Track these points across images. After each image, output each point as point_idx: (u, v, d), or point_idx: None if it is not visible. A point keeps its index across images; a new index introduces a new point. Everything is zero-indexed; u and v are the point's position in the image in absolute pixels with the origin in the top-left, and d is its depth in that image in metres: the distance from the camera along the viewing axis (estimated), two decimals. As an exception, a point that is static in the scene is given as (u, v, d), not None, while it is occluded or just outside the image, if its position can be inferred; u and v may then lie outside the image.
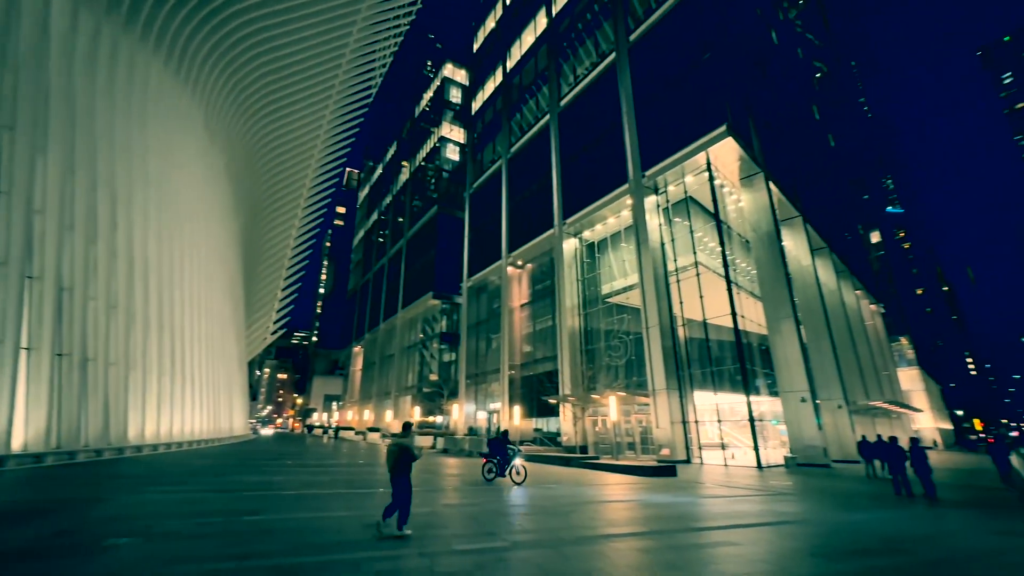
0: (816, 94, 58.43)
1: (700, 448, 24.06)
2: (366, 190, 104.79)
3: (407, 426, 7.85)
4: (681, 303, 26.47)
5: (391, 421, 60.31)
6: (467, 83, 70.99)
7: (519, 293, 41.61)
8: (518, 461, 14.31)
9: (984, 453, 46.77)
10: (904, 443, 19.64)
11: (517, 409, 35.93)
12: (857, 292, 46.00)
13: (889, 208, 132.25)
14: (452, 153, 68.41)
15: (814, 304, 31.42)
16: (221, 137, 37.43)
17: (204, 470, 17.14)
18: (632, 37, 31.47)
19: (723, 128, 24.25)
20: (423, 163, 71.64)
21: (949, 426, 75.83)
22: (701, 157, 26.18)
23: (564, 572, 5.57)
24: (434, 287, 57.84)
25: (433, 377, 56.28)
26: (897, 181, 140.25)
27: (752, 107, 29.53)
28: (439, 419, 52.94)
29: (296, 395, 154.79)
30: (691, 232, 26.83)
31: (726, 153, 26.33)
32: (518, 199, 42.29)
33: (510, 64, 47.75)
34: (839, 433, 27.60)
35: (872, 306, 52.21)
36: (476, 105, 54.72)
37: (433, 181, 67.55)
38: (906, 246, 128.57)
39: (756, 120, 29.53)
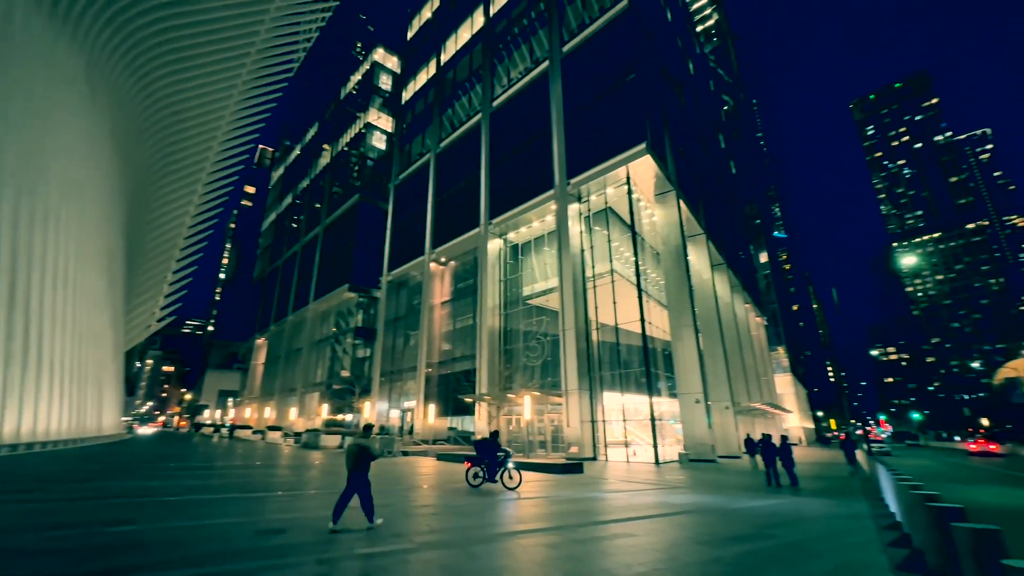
0: (722, 124, 64.55)
1: (606, 446, 25.39)
2: (280, 171, 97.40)
3: (368, 427, 8.42)
4: (596, 308, 27.76)
5: (296, 419, 56.54)
6: (398, 71, 68.82)
7: (441, 290, 41.09)
8: (511, 464, 13.29)
9: (838, 448, 54.71)
10: (776, 440, 22.37)
11: (432, 407, 35.42)
12: (747, 305, 51.42)
13: (776, 233, 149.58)
14: (378, 141, 65.84)
15: (711, 314, 34.59)
16: (105, 94, 32.63)
17: (63, 475, 14.78)
18: (565, 49, 32.48)
19: (643, 146, 25.85)
20: (346, 148, 68.15)
21: (812, 425, 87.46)
22: (622, 171, 27.69)
23: (469, 571, 5.55)
24: (351, 279, 55.23)
25: (345, 373, 53.71)
26: (783, 210, 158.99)
27: (668, 129, 31.85)
28: (349, 417, 50.61)
29: (184, 390, 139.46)
30: (609, 241, 28.26)
31: (644, 170, 28.09)
32: (445, 195, 41.75)
33: (445, 57, 47.04)
34: (725, 431, 30.63)
35: (758, 319, 58.68)
36: (407, 95, 53.18)
37: (356, 168, 64.51)
38: (787, 267, 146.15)
39: (671, 142, 31.89)
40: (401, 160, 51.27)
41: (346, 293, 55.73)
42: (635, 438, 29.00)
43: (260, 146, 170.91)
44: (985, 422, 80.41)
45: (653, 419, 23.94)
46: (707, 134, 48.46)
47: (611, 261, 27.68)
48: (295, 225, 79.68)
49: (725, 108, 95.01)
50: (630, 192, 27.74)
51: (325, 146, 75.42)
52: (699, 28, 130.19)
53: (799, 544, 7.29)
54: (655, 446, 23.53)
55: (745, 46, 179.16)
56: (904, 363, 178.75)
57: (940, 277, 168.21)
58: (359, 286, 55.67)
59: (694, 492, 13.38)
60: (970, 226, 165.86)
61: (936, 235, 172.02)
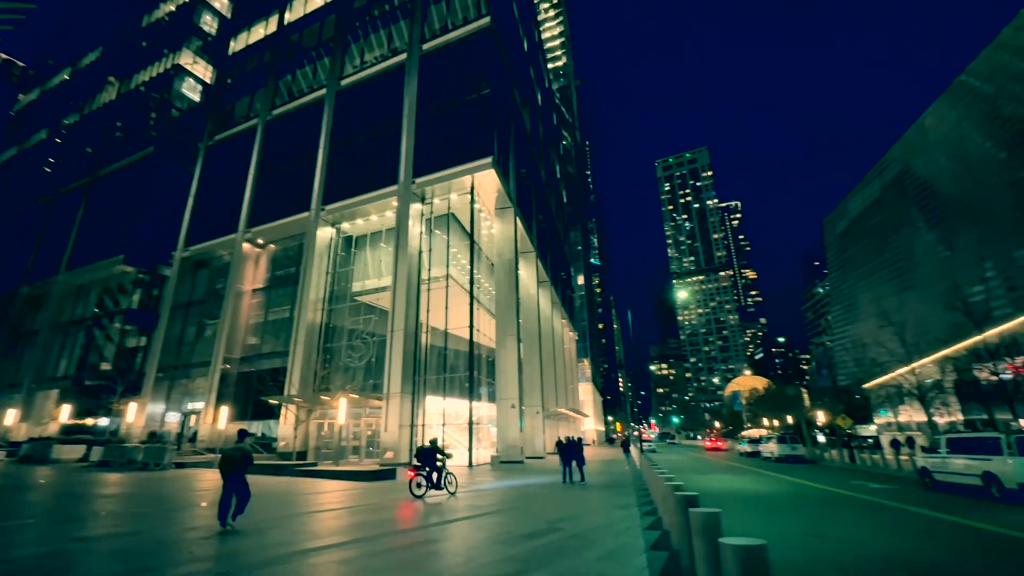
0: (560, 156, 71.68)
1: (423, 450, 25.17)
2: (36, 94, 73.76)
3: (243, 433, 9.13)
4: (428, 311, 27.58)
5: (13, 423, 42.60)
6: (228, 15, 58.76)
7: (254, 275, 35.93)
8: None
9: (619, 446, 64.68)
10: (582, 439, 25.26)
11: (226, 410, 30.45)
12: (563, 320, 57.43)
13: (592, 260, 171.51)
14: (191, 91, 54.98)
15: (533, 326, 37.54)
16: None
17: None
18: (426, 47, 32.01)
19: (489, 160, 26.87)
20: (143, 88, 55.16)
21: (603, 428, 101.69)
22: (467, 180, 28.30)
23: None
24: (129, 250, 44.48)
25: (106, 366, 42.67)
26: (599, 241, 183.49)
27: (514, 149, 33.86)
28: (104, 422, 40.18)
29: None
30: (448, 246, 28.48)
31: (488, 183, 29.21)
32: (272, 169, 36.88)
33: (290, 17, 41.90)
34: (533, 434, 33.34)
35: (571, 333, 66.06)
36: (236, 45, 45.69)
37: (154, 116, 52.58)
38: (598, 291, 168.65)
39: (515, 161, 33.95)
40: (219, 119, 43.59)
41: (120, 266, 44.58)
42: (454, 442, 29.52)
43: (5, 57, 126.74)
44: (717, 424, 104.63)
45: (471, 423, 24.68)
46: (547, 161, 53.10)
47: (448, 266, 27.90)
48: (49, 169, 60.92)
49: (564, 143, 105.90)
50: (473, 202, 28.50)
51: (111, 79, 59.74)
52: (550, 65, 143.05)
53: (581, 535, 8.17)
54: (470, 449, 24.25)
55: (586, 92, 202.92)
56: (671, 377, 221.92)
57: (700, 310, 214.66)
58: (140, 259, 45.13)
59: (498, 493, 14.08)
60: (722, 274, 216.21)
61: (701, 277, 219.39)
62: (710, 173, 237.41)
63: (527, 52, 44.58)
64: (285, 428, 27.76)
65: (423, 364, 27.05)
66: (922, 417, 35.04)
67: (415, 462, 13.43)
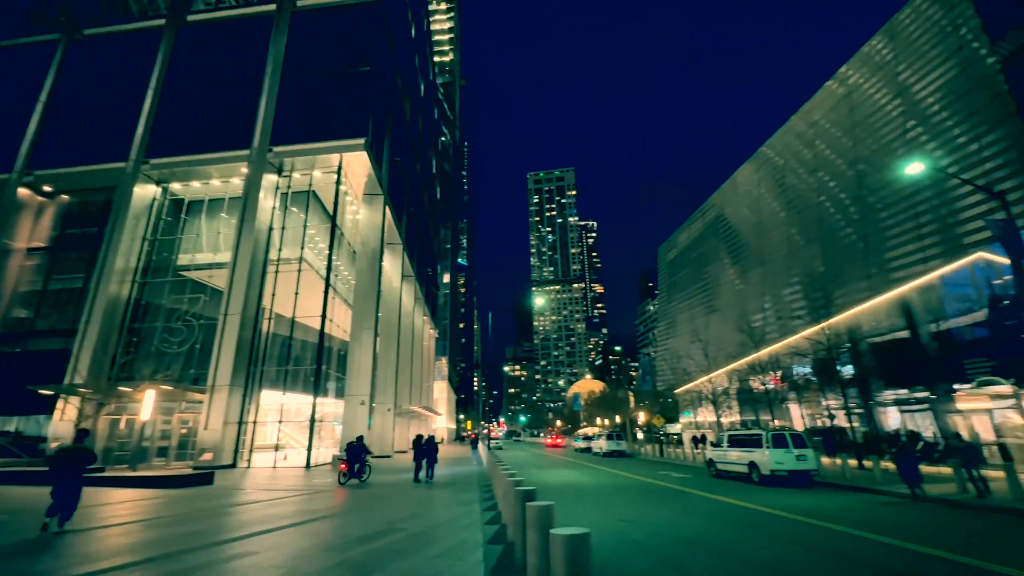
0: (438, 152, 70.94)
1: (251, 451, 22.44)
2: None
3: (83, 433, 9.46)
4: (274, 295, 24.78)
5: None
6: None
7: (31, 230, 28.24)
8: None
9: (468, 444, 66.12)
10: (435, 438, 25.01)
11: (-34, 402, 23.24)
12: (425, 317, 56.70)
13: (459, 260, 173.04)
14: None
15: (393, 321, 36.30)
16: None
17: None
18: (300, 3, 28.88)
19: (362, 141, 25.29)
20: None
21: (454, 426, 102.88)
22: (334, 159, 26.22)
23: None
24: None
25: None
26: (468, 242, 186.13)
27: (390, 135, 32.43)
28: None
29: None
30: (305, 227, 25.99)
31: (358, 165, 27.46)
32: (75, 98, 29.48)
33: (121, -80, 34.03)
34: (383, 432, 32.16)
35: (431, 331, 65.57)
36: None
37: None
38: (462, 290, 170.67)
39: (390, 148, 32.54)
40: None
41: None
42: (290, 441, 26.88)
43: None
44: (559, 423, 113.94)
45: (313, 420, 22.78)
46: (424, 155, 52.04)
47: (303, 248, 25.43)
48: None
49: (443, 139, 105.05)
50: (339, 183, 26.50)
51: None
52: (436, 59, 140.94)
53: (422, 534, 8.06)
54: (309, 449, 22.36)
55: (470, 93, 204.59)
56: (523, 378, 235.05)
57: (554, 318, 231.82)
58: None
59: (340, 495, 13.22)
60: (575, 286, 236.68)
61: (557, 287, 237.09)
62: (574, 192, 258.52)
63: (414, 39, 43.25)
64: (60, 425, 22.22)
65: (262, 354, 24.19)
66: (713, 418, 42.86)
67: (343, 456, 16.34)
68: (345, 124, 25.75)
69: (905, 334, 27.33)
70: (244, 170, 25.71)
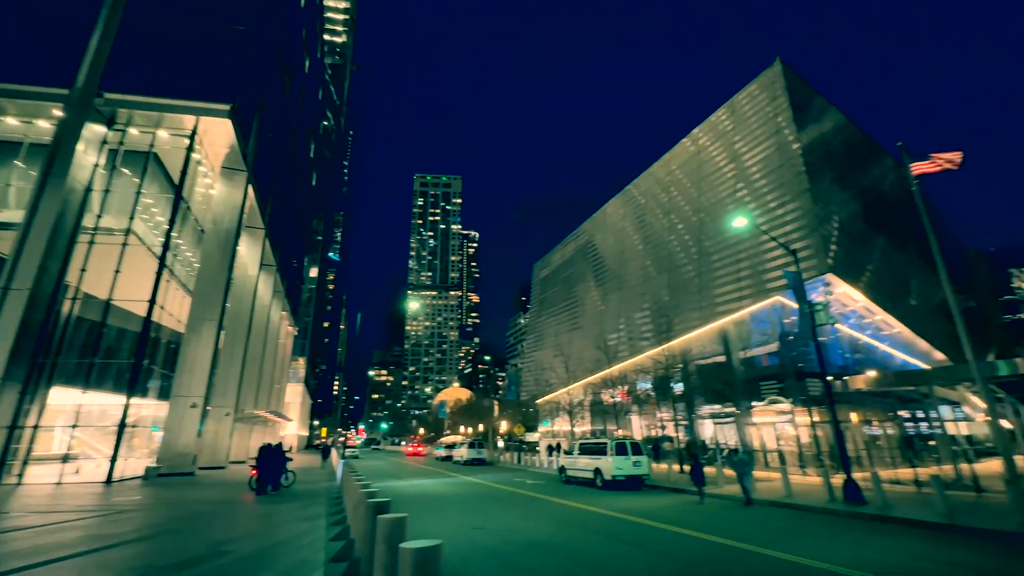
0: (318, 136, 65.69)
1: (26, 462, 17.82)
2: None
3: None
4: (83, 271, 20.27)
5: None
6: None
7: None
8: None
9: (318, 451, 61.08)
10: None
11: None
12: (284, 313, 51.42)
13: (331, 254, 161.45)
14: None
15: (244, 314, 32.23)
16: None
17: None
18: (162, -68, 24.59)
19: (227, 108, 22.30)
20: None
21: (307, 433, 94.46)
22: (189, 121, 22.66)
23: None
24: None
25: None
26: (344, 236, 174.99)
27: (263, 108, 29.13)
28: None
29: None
30: (139, 194, 21.84)
31: (219, 134, 24.09)
32: None
33: None
34: (218, 440, 28.12)
35: (290, 328, 59.68)
36: None
37: None
38: (331, 287, 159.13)
39: (261, 122, 29.19)
40: None
41: None
42: (89, 449, 22.03)
43: None
44: (422, 431, 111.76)
45: (124, 425, 18.97)
46: (301, 135, 47.71)
47: (132, 218, 21.30)
48: None
49: (325, 123, 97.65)
50: (192, 150, 22.88)
51: None
52: (327, 37, 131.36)
53: (254, 556, 7.16)
54: (113, 460, 18.54)
55: (362, 81, 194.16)
56: (389, 384, 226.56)
57: (427, 323, 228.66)
58: None
59: (146, 515, 11.15)
60: (452, 293, 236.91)
61: (434, 293, 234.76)
62: (460, 200, 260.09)
63: (304, 9, 39.75)
64: None
65: (57, 342, 19.52)
66: (568, 427, 46.10)
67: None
68: (208, 84, 22.46)
69: (722, 358, 32.74)
70: (57, 112, 20.74)
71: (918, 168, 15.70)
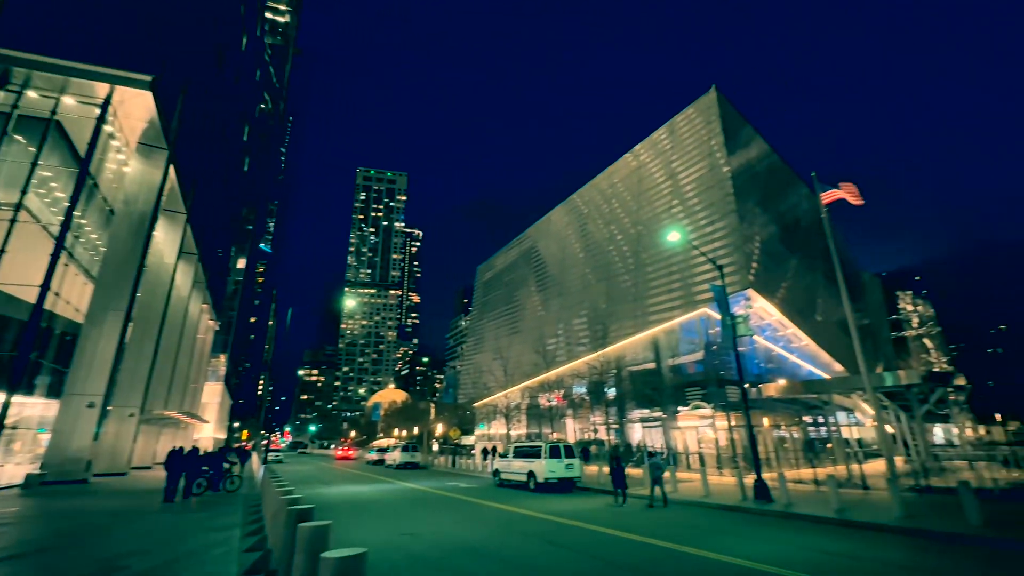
0: (253, 119, 61.66)
1: None
2: None
3: None
4: (-42, 249, 17.63)
5: None
6: None
7: None
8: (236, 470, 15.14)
9: (239, 456, 56.93)
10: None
11: None
12: (204, 306, 47.57)
13: (262, 245, 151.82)
14: None
15: (157, 305, 29.48)
16: None
17: None
18: None
19: (149, 79, 20.36)
20: None
21: (225, 436, 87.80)
22: (103, 89, 20.46)
23: None
24: None
25: None
26: (276, 226, 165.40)
27: (191, 83, 26.90)
28: None
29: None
30: (34, 164, 19.35)
31: (138, 106, 21.96)
32: None
33: None
34: (119, 443, 25.40)
35: (211, 322, 55.27)
36: None
37: None
38: (260, 280, 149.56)
39: (188, 97, 26.92)
40: None
41: None
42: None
43: None
44: (353, 434, 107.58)
45: (1, 426, 16.64)
46: (232, 117, 44.55)
47: (24, 192, 18.83)
48: None
49: (262, 107, 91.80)
50: (103, 120, 20.64)
51: None
52: (269, 15, 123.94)
53: (153, 571, 6.52)
54: (-14, 466, 16.21)
55: (305, 65, 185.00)
56: (320, 384, 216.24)
57: (364, 322, 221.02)
58: None
59: (29, 527, 9.84)
60: (392, 292, 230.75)
61: (372, 291, 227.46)
62: (404, 198, 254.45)
63: (243, -17, 37.25)
64: None
65: (-82, 329, 16.82)
66: (505, 430, 46.32)
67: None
68: (127, 50, 20.46)
69: (653, 365, 34.39)
70: (-67, 64, 17.93)
71: (828, 197, 17.45)
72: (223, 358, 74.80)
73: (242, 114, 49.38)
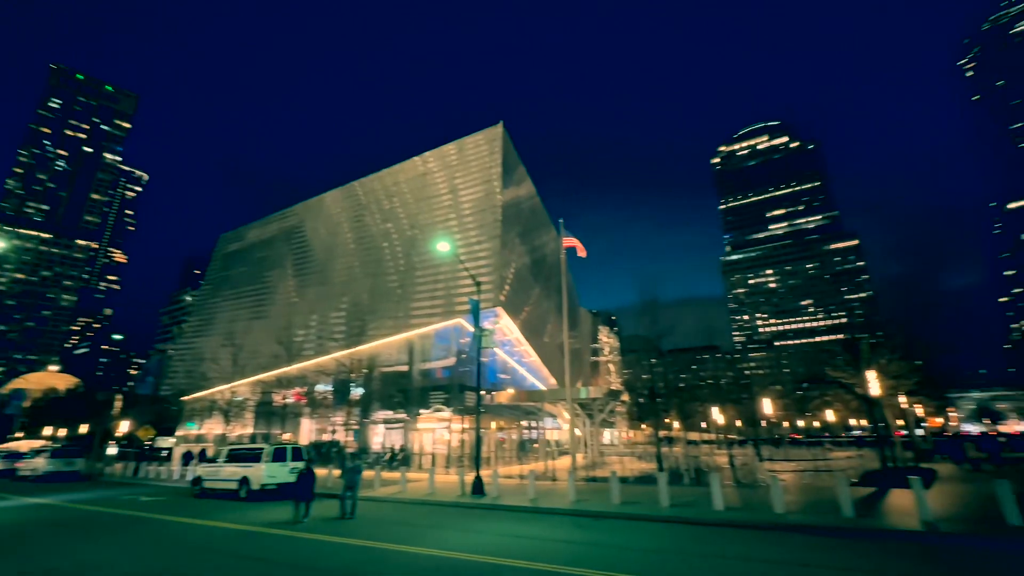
0: None
1: None
2: None
3: None
4: None
5: None
6: None
7: None
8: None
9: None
10: None
11: None
12: None
13: None
14: None
15: None
16: None
17: None
18: None
19: None
20: None
21: None
22: None
23: None
24: None
25: None
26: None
27: None
28: None
29: None
30: None
31: None
32: None
33: None
34: None
35: None
36: None
37: None
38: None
39: None
40: None
41: None
42: None
43: None
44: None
45: None
46: None
47: None
48: None
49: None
50: None
51: None
52: None
53: None
54: None
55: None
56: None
57: (21, 276, 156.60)
58: None
59: None
60: (80, 242, 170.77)
61: (46, 235, 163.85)
62: (128, 125, 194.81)
63: None
64: None
65: None
66: (222, 430, 39.24)
67: None
68: None
69: (405, 368, 34.96)
70: None
71: (567, 243, 21.29)
72: None
73: None
